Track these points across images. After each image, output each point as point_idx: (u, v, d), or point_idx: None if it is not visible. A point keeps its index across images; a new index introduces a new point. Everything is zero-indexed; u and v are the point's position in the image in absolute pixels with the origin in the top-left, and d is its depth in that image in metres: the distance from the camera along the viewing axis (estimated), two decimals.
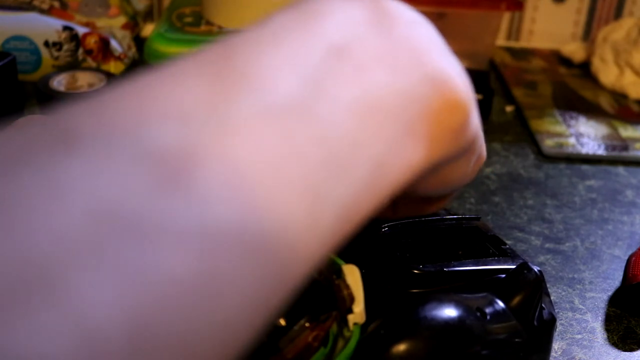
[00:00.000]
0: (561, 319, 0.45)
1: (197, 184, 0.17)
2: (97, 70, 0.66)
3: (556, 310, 0.45)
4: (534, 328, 0.35)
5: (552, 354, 0.40)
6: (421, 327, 0.32)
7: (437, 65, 0.26)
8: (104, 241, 0.15)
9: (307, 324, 0.32)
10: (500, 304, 0.35)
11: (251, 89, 0.20)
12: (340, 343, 0.32)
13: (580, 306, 0.46)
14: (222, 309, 0.17)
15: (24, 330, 0.14)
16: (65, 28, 0.70)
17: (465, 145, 0.28)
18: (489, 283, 0.37)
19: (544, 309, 0.37)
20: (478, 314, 0.34)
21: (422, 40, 0.26)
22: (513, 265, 0.37)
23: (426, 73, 0.25)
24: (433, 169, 0.27)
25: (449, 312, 0.33)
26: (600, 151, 0.66)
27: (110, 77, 0.64)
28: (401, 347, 0.31)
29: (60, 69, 0.68)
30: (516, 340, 0.34)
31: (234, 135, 0.19)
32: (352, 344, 0.32)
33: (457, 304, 0.34)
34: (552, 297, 0.45)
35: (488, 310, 0.34)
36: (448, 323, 0.32)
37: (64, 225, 0.15)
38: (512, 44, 0.92)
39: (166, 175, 0.17)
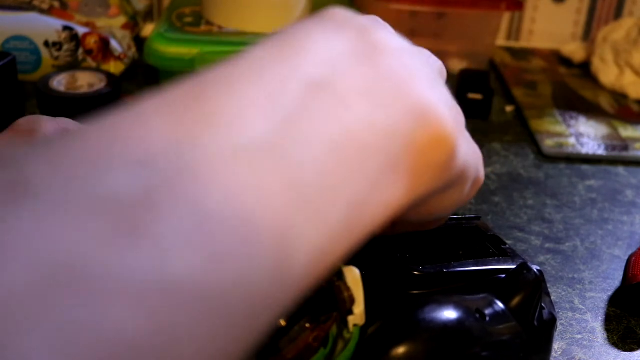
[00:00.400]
0: (561, 319, 0.45)
1: (154, 234, 0.16)
2: (97, 70, 0.66)
3: (556, 310, 0.45)
4: (534, 328, 0.35)
5: (552, 354, 0.40)
6: (420, 330, 0.32)
7: (423, 97, 0.24)
8: (50, 300, 0.14)
9: (307, 325, 0.32)
10: (500, 305, 0.35)
11: (218, 131, 0.19)
12: (340, 344, 0.32)
13: (580, 306, 0.46)
14: None
15: None
16: (65, 28, 0.70)
17: (453, 177, 0.27)
18: (489, 283, 0.37)
19: (544, 309, 0.37)
20: (477, 315, 0.34)
21: (408, 71, 0.25)
22: (513, 265, 0.37)
23: (410, 106, 0.24)
24: (420, 202, 0.26)
25: (449, 314, 0.33)
26: (600, 151, 0.66)
27: (110, 77, 0.64)
28: (400, 350, 0.31)
29: (60, 69, 0.68)
30: (516, 341, 0.34)
31: (197, 181, 0.18)
32: (352, 345, 0.32)
33: (457, 305, 0.34)
34: (552, 297, 0.45)
35: (487, 311, 0.34)
36: (447, 325, 0.32)
37: (6, 284, 0.14)
38: (512, 44, 0.92)
39: (121, 227, 0.16)
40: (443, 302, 0.34)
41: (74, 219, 0.16)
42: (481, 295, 0.35)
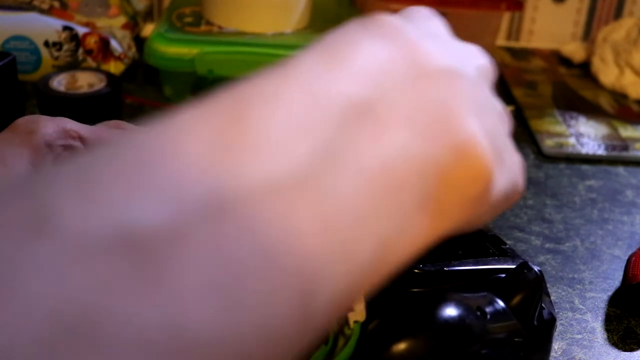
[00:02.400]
0: (561, 319, 0.45)
1: (173, 278, 0.16)
2: (97, 70, 0.66)
3: (556, 310, 0.45)
4: (534, 328, 0.35)
5: (552, 354, 0.40)
6: (421, 326, 0.32)
7: (464, 129, 0.23)
8: (55, 354, 0.14)
9: None
10: (501, 303, 0.35)
11: (255, 162, 0.18)
12: (341, 341, 0.32)
13: (580, 306, 0.46)
14: None
15: None
16: (65, 28, 0.70)
17: (487, 209, 0.25)
18: (489, 282, 0.37)
19: (544, 308, 0.37)
20: (478, 313, 0.34)
21: (454, 99, 0.23)
22: (513, 265, 0.37)
23: (451, 139, 0.23)
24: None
25: (449, 311, 0.33)
26: (600, 151, 0.66)
27: (110, 77, 0.64)
28: (401, 346, 0.31)
29: (60, 69, 0.68)
30: (516, 339, 0.34)
31: (226, 221, 0.17)
32: (353, 342, 0.32)
33: (457, 303, 0.34)
34: (552, 297, 0.45)
35: (488, 309, 0.34)
36: (448, 322, 0.32)
37: (10, 332, 0.14)
38: (512, 44, 0.92)
39: (139, 270, 0.15)
40: (444, 300, 0.34)
41: (92, 259, 0.15)
42: (482, 294, 0.35)
